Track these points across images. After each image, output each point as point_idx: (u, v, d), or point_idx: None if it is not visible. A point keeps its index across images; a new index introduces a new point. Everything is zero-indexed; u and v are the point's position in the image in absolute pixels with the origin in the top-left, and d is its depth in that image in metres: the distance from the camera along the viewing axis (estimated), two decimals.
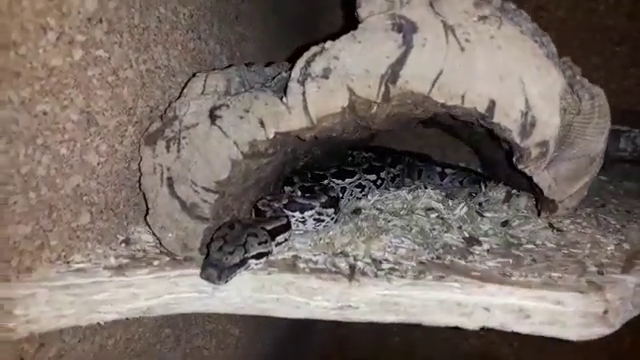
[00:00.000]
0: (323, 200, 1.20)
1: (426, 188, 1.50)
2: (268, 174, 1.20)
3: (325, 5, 2.34)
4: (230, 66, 1.10)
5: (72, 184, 0.94)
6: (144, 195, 1.04)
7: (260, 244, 0.98)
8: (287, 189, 1.34)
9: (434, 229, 1.27)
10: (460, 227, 1.30)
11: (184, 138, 1.01)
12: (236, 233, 0.97)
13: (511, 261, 1.10)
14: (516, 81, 0.91)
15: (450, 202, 1.42)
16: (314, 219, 1.19)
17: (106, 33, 0.93)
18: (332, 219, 1.22)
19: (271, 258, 1.04)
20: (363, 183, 1.50)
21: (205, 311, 0.97)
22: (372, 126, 1.15)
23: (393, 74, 0.93)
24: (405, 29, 0.93)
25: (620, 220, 1.49)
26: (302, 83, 0.95)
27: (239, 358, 1.59)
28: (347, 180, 1.48)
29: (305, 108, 0.95)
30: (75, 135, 0.92)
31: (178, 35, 1.14)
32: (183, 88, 1.04)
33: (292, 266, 1.01)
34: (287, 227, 1.08)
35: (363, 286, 0.97)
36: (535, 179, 1.09)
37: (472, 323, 0.97)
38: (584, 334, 0.95)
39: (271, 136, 0.95)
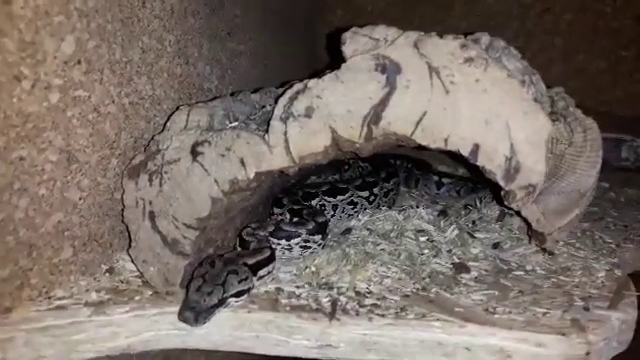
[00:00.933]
0: (310, 227, 1.20)
1: (417, 207, 1.50)
2: (255, 201, 1.19)
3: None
4: (215, 98, 1.08)
5: (53, 222, 0.95)
6: (127, 227, 1.04)
7: (240, 282, 0.98)
8: (276, 211, 1.33)
9: (423, 254, 1.26)
10: (450, 251, 1.29)
11: (166, 173, 1.01)
12: (216, 271, 0.97)
13: (497, 293, 1.09)
14: (502, 126, 0.89)
15: (442, 223, 1.41)
16: (300, 246, 1.19)
17: (85, 73, 0.92)
18: (319, 245, 1.22)
19: (253, 291, 1.04)
20: (355, 200, 1.49)
21: (185, 347, 0.98)
22: (360, 155, 1.14)
23: (376, 115, 0.92)
24: (389, 70, 0.91)
25: (616, 238, 1.47)
26: (284, 121, 0.94)
27: None
28: (339, 197, 1.47)
29: (287, 148, 0.94)
30: (55, 175, 0.92)
31: (164, 63, 1.13)
32: (166, 121, 1.03)
33: (274, 302, 1.01)
34: (270, 259, 1.07)
35: (343, 325, 0.96)
36: (523, 213, 1.07)
37: None
38: None
39: (252, 175, 0.94)
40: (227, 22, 1.44)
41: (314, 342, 0.96)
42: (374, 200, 1.54)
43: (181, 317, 0.90)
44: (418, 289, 1.10)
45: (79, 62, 0.90)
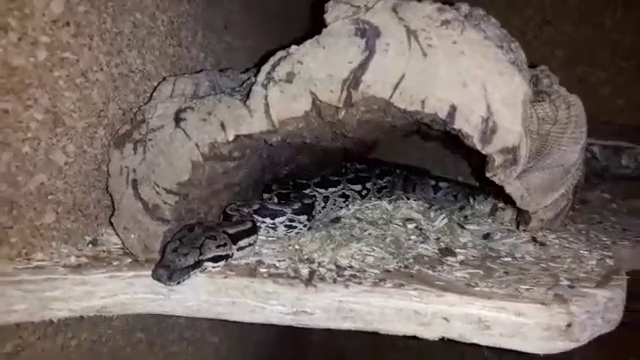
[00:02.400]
0: (295, 207, 1.20)
1: (408, 199, 1.49)
2: (241, 179, 1.20)
3: None
4: (201, 71, 1.11)
5: (36, 182, 0.96)
6: (111, 197, 1.06)
7: (218, 247, 0.97)
8: (265, 196, 1.34)
9: (410, 239, 1.25)
10: (438, 238, 1.28)
11: (150, 140, 1.02)
12: (194, 235, 0.97)
13: (482, 272, 1.07)
14: (478, 87, 0.89)
15: (432, 214, 1.40)
16: (285, 225, 1.19)
17: (73, 36, 0.95)
18: (305, 226, 1.22)
19: (234, 262, 1.03)
20: (347, 193, 1.49)
21: (161, 312, 0.97)
22: (346, 133, 1.14)
23: (355, 79, 0.93)
24: (368, 34, 0.92)
25: (613, 237, 1.44)
26: (265, 87, 0.96)
27: None
28: (330, 189, 1.47)
29: (267, 112, 0.95)
30: (39, 134, 0.94)
31: (155, 41, 1.16)
32: (153, 91, 1.06)
33: (252, 270, 1.01)
34: (251, 232, 1.07)
35: (320, 292, 0.95)
36: (507, 189, 1.06)
37: (431, 333, 0.94)
38: (546, 347, 0.91)
39: (231, 138, 0.95)
40: (224, 16, 1.48)
41: (289, 308, 0.95)
42: (367, 194, 1.54)
43: (155, 275, 0.90)
44: (400, 267, 1.08)
45: (68, 24, 0.93)
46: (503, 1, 2.18)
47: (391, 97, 0.92)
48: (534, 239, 1.29)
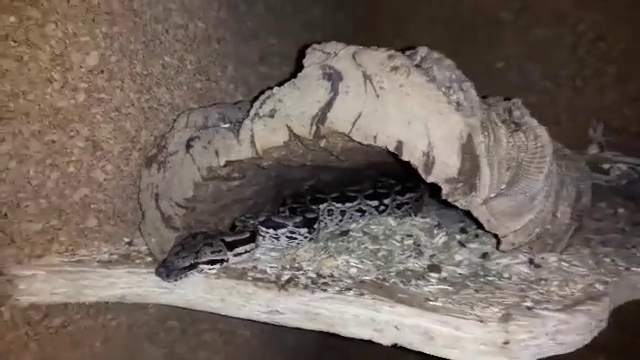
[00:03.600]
0: (297, 220, 1.37)
1: (416, 216, 1.59)
2: (251, 195, 1.40)
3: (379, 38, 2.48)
4: (214, 104, 1.32)
5: (80, 194, 1.23)
6: (140, 206, 1.30)
7: (213, 252, 1.18)
8: (281, 209, 1.52)
9: (402, 254, 1.36)
10: (433, 255, 1.37)
11: (168, 162, 1.26)
12: (194, 242, 1.18)
13: (451, 289, 1.17)
14: (421, 125, 1.01)
15: (435, 231, 1.49)
16: (286, 237, 1.36)
17: (107, 80, 1.21)
18: (305, 237, 1.38)
19: (232, 266, 1.23)
20: (364, 208, 1.62)
21: (168, 304, 1.20)
22: (338, 157, 1.29)
23: (322, 116, 1.08)
24: (333, 78, 1.08)
25: (632, 263, 1.45)
26: (252, 121, 1.14)
27: (247, 357, 1.79)
28: (347, 204, 1.61)
29: (252, 142, 1.14)
30: (82, 157, 1.21)
31: (183, 78, 1.40)
32: (174, 122, 1.29)
33: (242, 274, 1.20)
34: (249, 240, 1.26)
35: (290, 295, 1.12)
36: (474, 213, 1.15)
37: (384, 339, 1.07)
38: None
39: (222, 163, 1.15)
40: (260, 49, 1.69)
41: (265, 307, 1.13)
42: (384, 210, 1.65)
43: (156, 272, 1.12)
44: (379, 279, 1.21)
45: (102, 72, 1.19)
46: (553, 17, 2.18)
47: (350, 132, 1.06)
48: (531, 261, 1.34)
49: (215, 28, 1.48)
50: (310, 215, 1.41)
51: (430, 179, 1.04)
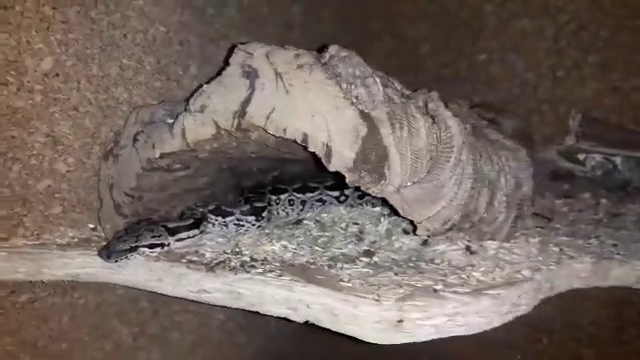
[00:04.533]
0: (244, 209, 1.47)
1: (374, 206, 1.66)
2: (206, 185, 1.51)
3: (372, 35, 2.54)
4: (162, 102, 1.44)
5: (44, 185, 1.38)
6: (99, 196, 1.44)
7: (153, 237, 1.29)
8: (239, 198, 1.62)
9: (344, 240, 1.44)
10: (374, 242, 1.44)
11: (120, 155, 1.38)
12: (137, 227, 1.31)
13: (371, 271, 1.23)
14: (321, 118, 1.08)
15: (382, 219, 1.56)
16: (234, 224, 1.46)
17: (63, 82, 1.34)
18: (253, 225, 1.48)
19: (177, 250, 1.34)
20: (324, 198, 1.70)
21: (115, 282, 1.32)
22: (279, 148, 1.38)
23: (242, 111, 1.17)
24: (251, 76, 1.17)
25: (580, 252, 1.48)
26: (184, 116, 1.25)
27: (221, 339, 1.91)
28: (308, 194, 1.70)
29: (183, 135, 1.24)
30: (43, 151, 1.35)
31: (142, 78, 1.52)
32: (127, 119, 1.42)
33: (180, 256, 1.31)
34: (192, 227, 1.37)
35: (217, 276, 1.22)
36: (389, 201, 1.22)
37: (297, 316, 1.15)
38: (382, 338, 1.07)
39: (157, 155, 1.26)
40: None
41: (194, 287, 1.23)
42: (345, 200, 1.72)
43: (98, 253, 1.25)
44: (308, 262, 1.29)
45: (57, 75, 1.33)
46: (537, 7, 2.18)
47: (265, 125, 1.15)
48: (468, 248, 1.39)
49: (177, 31, 1.60)
50: (259, 204, 1.50)
51: (331, 168, 1.11)
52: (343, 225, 1.54)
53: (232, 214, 1.46)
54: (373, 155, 1.14)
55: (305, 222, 1.60)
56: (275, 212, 1.66)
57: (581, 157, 1.95)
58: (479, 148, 1.36)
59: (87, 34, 1.38)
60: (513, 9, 2.22)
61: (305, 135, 1.11)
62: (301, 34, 2.15)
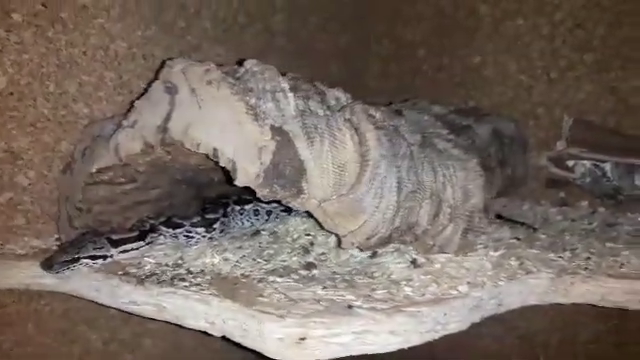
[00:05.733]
0: (195, 220, 1.49)
1: None
2: (162, 197, 1.54)
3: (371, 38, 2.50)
4: (113, 116, 1.48)
5: (5, 197, 1.46)
6: (58, 208, 1.50)
7: (95, 249, 1.33)
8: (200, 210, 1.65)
9: (291, 252, 1.43)
10: (322, 254, 1.43)
11: (74, 169, 1.44)
12: (81, 239, 1.35)
13: (301, 285, 1.23)
14: (229, 133, 1.09)
15: None
16: (184, 236, 1.49)
17: (18, 100, 1.42)
18: (204, 237, 1.50)
19: (123, 262, 1.38)
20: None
21: (57, 291, 1.38)
22: None
23: (164, 127, 1.20)
24: (172, 91, 1.19)
25: (540, 267, 1.41)
26: (118, 131, 1.29)
27: (195, 346, 1.94)
28: (273, 204, 1.70)
29: (116, 150, 1.28)
30: (2, 166, 1.43)
31: (103, 94, 1.57)
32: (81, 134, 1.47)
33: (119, 268, 1.34)
34: (137, 239, 1.40)
35: (146, 289, 1.24)
36: (314, 214, 1.20)
37: (215, 331, 1.16)
38: (284, 355, 1.05)
39: (94, 170, 1.31)
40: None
41: (125, 299, 1.26)
42: (285, 210, 1.70)
43: (40, 265, 1.30)
44: (242, 275, 1.29)
45: (12, 93, 1.40)
46: (532, 5, 2.08)
47: (183, 141, 1.16)
48: (413, 261, 1.36)
49: (141, 46, 1.65)
50: (211, 215, 1.52)
51: (238, 183, 1.11)
52: (295, 236, 1.53)
53: (182, 226, 1.48)
54: (288, 169, 1.13)
55: (262, 233, 1.60)
56: (239, 222, 1.68)
57: (570, 164, 1.83)
58: (421, 158, 1.32)
59: (43, 53, 1.44)
60: (507, 8, 2.13)
61: (215, 150, 1.12)
62: (286, 41, 2.15)
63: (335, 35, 2.38)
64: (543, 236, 1.66)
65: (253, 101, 1.09)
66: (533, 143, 2.06)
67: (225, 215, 1.58)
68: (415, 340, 1.11)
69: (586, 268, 1.40)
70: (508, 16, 2.12)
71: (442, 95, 2.22)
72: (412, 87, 2.41)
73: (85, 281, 1.34)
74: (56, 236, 1.56)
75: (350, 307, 1.11)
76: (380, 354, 1.10)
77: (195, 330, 1.19)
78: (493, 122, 1.85)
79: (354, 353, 1.07)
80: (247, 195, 1.68)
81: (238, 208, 1.67)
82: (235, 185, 1.12)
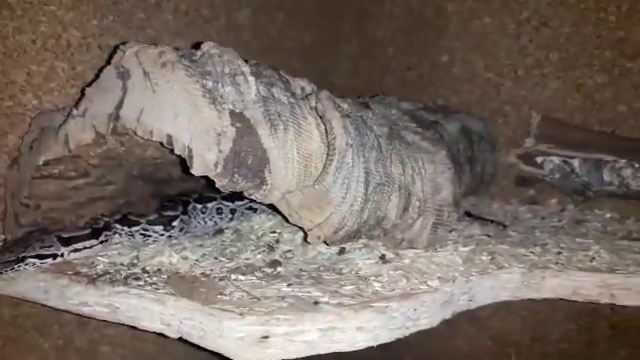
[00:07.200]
0: (151, 218, 1.41)
1: None
2: (118, 193, 1.45)
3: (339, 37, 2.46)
4: (63, 107, 1.40)
5: None
6: (4, 206, 1.40)
7: (42, 247, 1.24)
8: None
9: (256, 250, 1.36)
10: (288, 251, 1.37)
11: (20, 164, 1.35)
12: (27, 237, 1.26)
13: (264, 283, 1.16)
14: (183, 119, 1.01)
15: None
16: (140, 234, 1.40)
17: None
18: (162, 235, 1.42)
19: (75, 262, 1.29)
20: (255, 206, 1.62)
21: (10, 295, 1.28)
22: None
23: (116, 114, 1.12)
24: (124, 76, 1.11)
25: (511, 262, 1.39)
26: (67, 121, 1.21)
27: (156, 353, 1.84)
28: (237, 203, 1.63)
29: (66, 141, 1.20)
30: None
31: (54, 85, 1.48)
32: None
33: (70, 267, 1.25)
34: (89, 237, 1.32)
35: (97, 289, 1.16)
36: (277, 207, 1.14)
37: (171, 332, 1.08)
38: (247, 354, 0.98)
39: (40, 163, 1.22)
40: None
41: (75, 300, 1.17)
42: (249, 208, 1.63)
43: None
44: (202, 274, 1.22)
45: None
46: (498, 4, 2.07)
47: (135, 129, 1.09)
48: (382, 257, 1.31)
49: (96, 37, 1.56)
50: (169, 213, 1.44)
51: (195, 172, 1.04)
52: (260, 234, 1.46)
53: (138, 223, 1.40)
54: (250, 159, 1.07)
55: (225, 231, 1.53)
56: (202, 222, 1.60)
57: (539, 160, 1.82)
58: (389, 150, 1.27)
59: None
60: (474, 6, 2.12)
61: (169, 137, 1.04)
62: (251, 37, 2.09)
63: (302, 32, 2.34)
64: (513, 233, 1.65)
65: (210, 84, 1.03)
66: (502, 141, 2.04)
67: (185, 213, 1.50)
68: (384, 337, 1.06)
69: (557, 262, 1.39)
70: (475, 14, 2.11)
71: (411, 93, 2.18)
72: (381, 86, 2.37)
73: (32, 282, 1.24)
74: (2, 236, 1.46)
75: (316, 303, 1.05)
76: (349, 354, 1.06)
77: (156, 335, 1.11)
78: (462, 120, 1.83)
79: (321, 352, 1.01)
80: (210, 193, 1.63)
81: (200, 206, 1.59)
82: (193, 175, 1.05)
